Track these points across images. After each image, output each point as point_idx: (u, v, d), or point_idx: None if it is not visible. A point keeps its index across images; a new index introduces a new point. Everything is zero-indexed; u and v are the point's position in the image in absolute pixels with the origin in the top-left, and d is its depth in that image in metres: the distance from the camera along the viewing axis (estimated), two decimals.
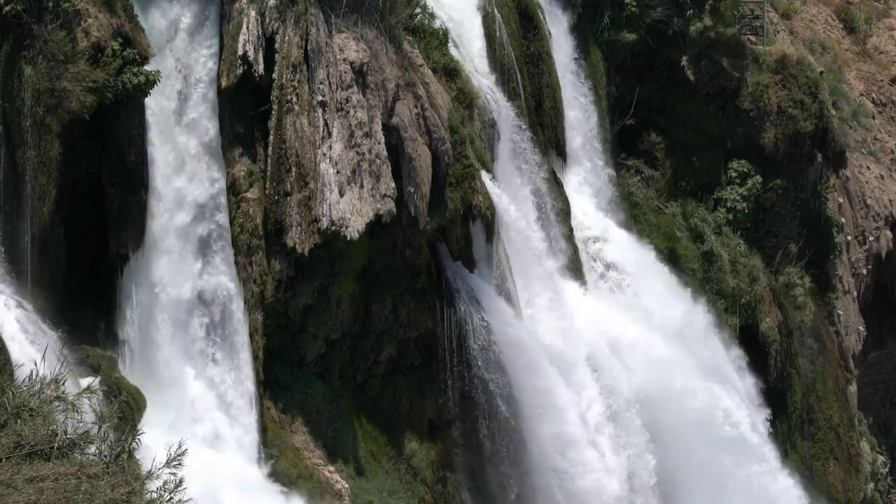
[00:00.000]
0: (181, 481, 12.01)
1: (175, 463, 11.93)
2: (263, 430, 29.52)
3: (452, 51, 34.75)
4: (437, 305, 32.78)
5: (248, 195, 29.52)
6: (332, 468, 30.50)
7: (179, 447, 11.89)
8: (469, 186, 32.48)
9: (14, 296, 26.12)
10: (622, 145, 42.31)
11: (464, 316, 32.70)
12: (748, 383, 41.02)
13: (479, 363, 32.76)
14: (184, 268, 28.84)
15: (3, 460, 12.70)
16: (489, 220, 33.17)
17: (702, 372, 39.14)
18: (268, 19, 29.64)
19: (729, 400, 39.54)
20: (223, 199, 29.28)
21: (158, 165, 28.36)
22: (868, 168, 49.01)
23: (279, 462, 29.48)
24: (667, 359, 37.97)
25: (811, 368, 44.05)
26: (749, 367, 41.36)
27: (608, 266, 39.22)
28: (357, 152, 29.99)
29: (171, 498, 11.76)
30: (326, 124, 29.90)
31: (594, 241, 39.23)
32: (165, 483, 12.08)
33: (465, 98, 34.18)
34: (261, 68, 29.39)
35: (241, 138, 29.81)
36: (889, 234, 48.89)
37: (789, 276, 43.54)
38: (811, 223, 44.26)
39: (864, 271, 47.90)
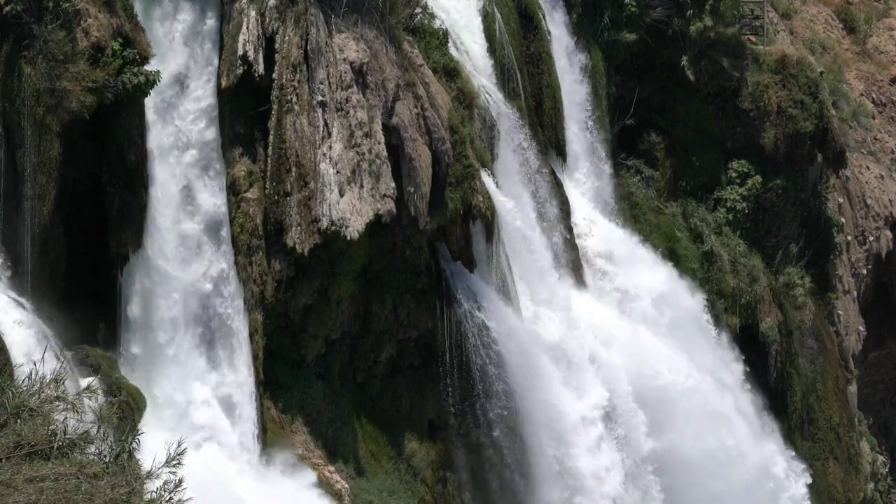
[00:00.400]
0: (181, 481, 12.00)
1: (175, 462, 11.92)
2: (263, 430, 29.51)
3: (452, 51, 34.73)
4: (437, 305, 32.76)
5: (248, 195, 29.51)
6: (332, 468, 30.49)
7: (178, 446, 11.89)
8: (469, 186, 32.47)
9: (14, 296, 26.11)
10: (622, 145, 42.30)
11: (464, 316, 32.69)
12: (771, 430, 40.73)
13: (479, 363, 32.75)
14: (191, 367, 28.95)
15: (3, 460, 12.69)
16: (489, 220, 33.16)
17: (750, 427, 38.40)
18: (268, 19, 29.63)
19: (783, 462, 38.66)
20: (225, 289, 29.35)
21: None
22: (868, 168, 49.01)
23: (278, 462, 29.49)
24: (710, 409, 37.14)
25: (811, 368, 44.04)
26: (770, 411, 41.15)
27: (623, 292, 38.68)
28: (357, 152, 29.99)
29: (170, 498, 11.75)
30: (326, 124, 29.89)
31: (607, 264, 38.81)
32: (165, 483, 12.07)
33: (465, 98, 34.17)
34: (261, 68, 29.37)
35: (241, 138, 29.80)
36: (889, 234, 48.89)
37: (789, 276, 43.54)
38: (811, 223, 44.26)
39: (864, 271, 47.90)
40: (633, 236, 40.39)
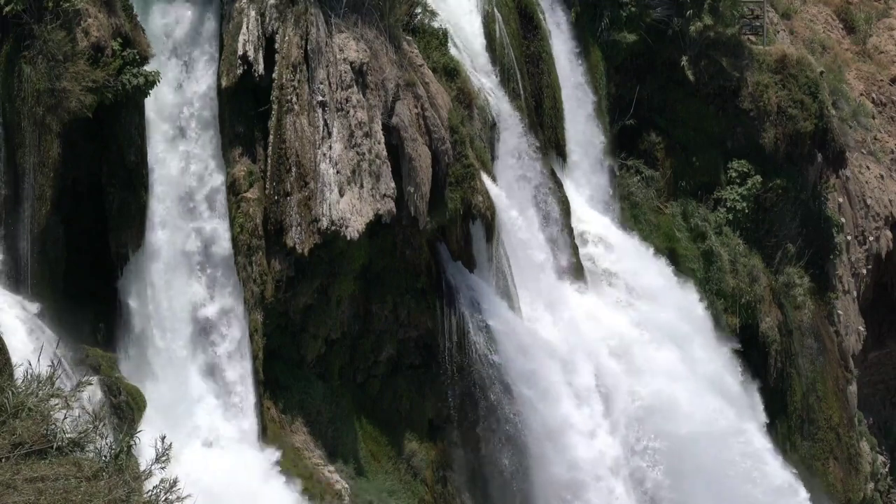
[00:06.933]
0: (176, 481, 12.02)
1: (164, 459, 11.93)
2: (263, 430, 29.53)
3: (452, 51, 34.74)
4: (437, 305, 32.78)
5: (248, 195, 29.52)
6: (332, 468, 30.49)
7: (163, 442, 11.91)
8: (469, 186, 32.48)
9: (14, 296, 26.13)
10: (622, 145, 42.31)
11: (464, 316, 32.70)
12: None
13: (479, 363, 32.76)
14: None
15: (3, 460, 12.70)
16: (489, 220, 33.17)
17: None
18: (268, 19, 29.64)
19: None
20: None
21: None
22: (868, 168, 49.03)
23: (279, 462, 29.47)
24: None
25: (811, 368, 44.04)
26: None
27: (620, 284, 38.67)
28: (357, 152, 29.99)
29: (167, 497, 11.77)
30: (326, 124, 29.90)
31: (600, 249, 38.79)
32: (163, 481, 12.09)
33: (465, 98, 34.17)
34: (261, 68, 29.38)
35: (241, 138, 29.80)
36: (889, 234, 48.91)
37: (789, 276, 43.54)
38: (811, 223, 44.27)
39: (864, 271, 47.91)
40: (633, 236, 40.40)
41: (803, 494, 39.00)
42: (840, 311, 45.74)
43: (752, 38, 44.93)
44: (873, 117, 50.37)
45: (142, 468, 12.38)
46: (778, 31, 47.29)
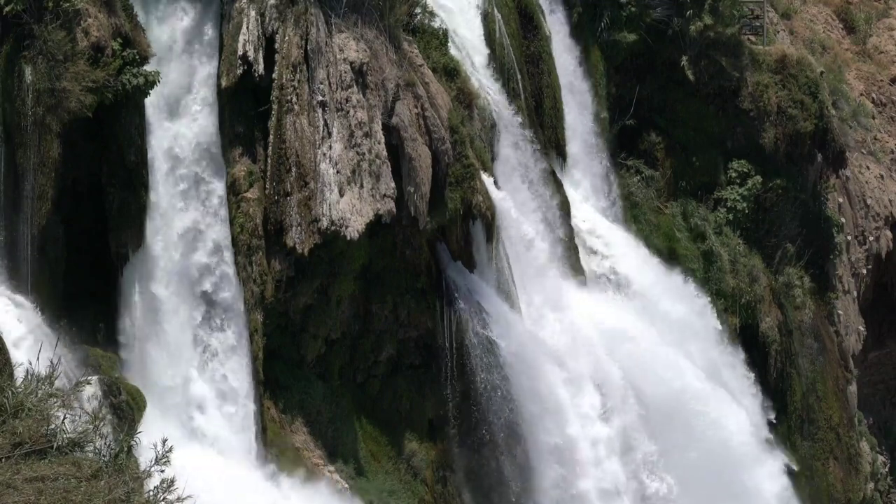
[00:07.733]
0: (172, 481, 12.02)
1: (163, 461, 11.94)
2: (263, 430, 29.53)
3: (452, 51, 34.75)
4: (437, 305, 32.78)
5: (248, 195, 29.53)
6: (332, 468, 30.50)
7: (164, 444, 11.92)
8: (469, 186, 32.48)
9: (14, 295, 26.13)
10: (622, 145, 42.31)
11: (464, 316, 32.69)
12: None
13: (479, 363, 32.75)
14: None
15: (3, 460, 12.71)
16: (489, 220, 33.18)
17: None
18: (268, 19, 29.64)
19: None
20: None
21: None
22: (868, 168, 49.04)
23: (279, 462, 29.48)
24: None
25: (811, 368, 44.05)
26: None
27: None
28: (357, 152, 30.00)
29: (164, 497, 11.77)
30: (326, 124, 29.90)
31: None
32: (163, 481, 12.10)
33: (465, 98, 34.18)
34: (261, 68, 29.38)
35: (241, 138, 29.81)
36: (889, 234, 48.92)
37: (789, 276, 43.55)
38: (811, 223, 44.28)
39: (864, 271, 47.91)
40: (633, 236, 40.39)
41: None
42: (840, 311, 45.74)
43: (752, 38, 44.93)
44: (873, 117, 50.38)
45: (142, 468, 12.39)
46: (778, 31, 47.31)
